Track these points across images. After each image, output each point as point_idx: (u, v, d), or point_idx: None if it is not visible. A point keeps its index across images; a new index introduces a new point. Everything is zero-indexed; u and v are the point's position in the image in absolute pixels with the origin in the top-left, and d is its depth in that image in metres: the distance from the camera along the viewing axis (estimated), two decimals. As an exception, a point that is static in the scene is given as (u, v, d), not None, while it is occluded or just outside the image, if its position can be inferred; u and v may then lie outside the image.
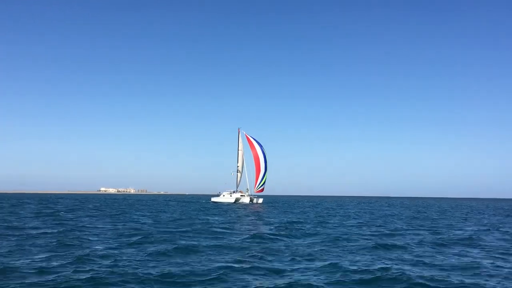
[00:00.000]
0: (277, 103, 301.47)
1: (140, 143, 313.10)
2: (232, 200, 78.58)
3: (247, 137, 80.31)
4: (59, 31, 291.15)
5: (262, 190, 79.50)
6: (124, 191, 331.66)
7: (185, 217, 34.97)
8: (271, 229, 24.61)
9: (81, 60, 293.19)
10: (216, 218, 35.06)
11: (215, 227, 25.65)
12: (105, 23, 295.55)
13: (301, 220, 32.73)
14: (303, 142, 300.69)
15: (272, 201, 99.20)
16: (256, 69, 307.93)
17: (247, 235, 20.88)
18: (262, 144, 79.34)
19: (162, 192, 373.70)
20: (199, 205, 67.38)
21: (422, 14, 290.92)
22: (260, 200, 79.87)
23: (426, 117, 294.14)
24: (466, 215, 47.79)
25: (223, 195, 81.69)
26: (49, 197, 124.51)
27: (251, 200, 78.49)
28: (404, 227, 27.90)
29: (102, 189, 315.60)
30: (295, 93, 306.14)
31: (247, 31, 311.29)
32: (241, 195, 79.68)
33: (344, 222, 31.30)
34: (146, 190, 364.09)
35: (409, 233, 23.39)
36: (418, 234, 22.84)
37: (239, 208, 57.13)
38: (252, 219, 34.36)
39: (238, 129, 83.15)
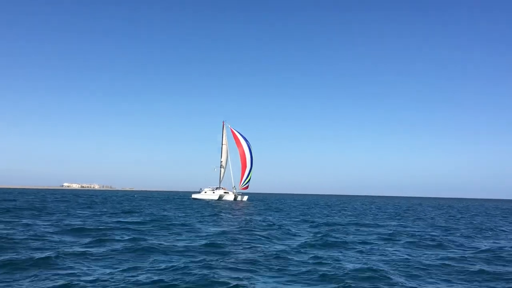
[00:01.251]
0: (264, 100, 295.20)
1: (105, 137, 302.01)
2: (216, 197, 74.20)
3: (232, 131, 76.07)
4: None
5: (247, 187, 75.51)
6: (88, 186, 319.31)
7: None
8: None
9: (48, 55, 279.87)
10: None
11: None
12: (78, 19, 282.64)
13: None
14: (283, 140, 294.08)
15: (257, 199, 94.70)
16: (240, 64, 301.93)
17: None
18: (248, 139, 75.45)
19: (127, 188, 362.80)
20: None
21: (417, 14, 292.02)
22: (245, 198, 75.82)
23: (414, 118, 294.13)
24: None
25: (205, 192, 77.11)
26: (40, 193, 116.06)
27: (235, 197, 74.40)
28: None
29: (65, 184, 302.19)
30: (277, 90, 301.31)
31: (233, 28, 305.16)
32: (225, 192, 75.42)
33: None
34: (111, 186, 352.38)
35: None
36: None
37: (231, 208, 52.86)
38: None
39: (223, 122, 79.00)
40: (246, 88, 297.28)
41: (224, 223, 25.40)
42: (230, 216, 32.70)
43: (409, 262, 12.37)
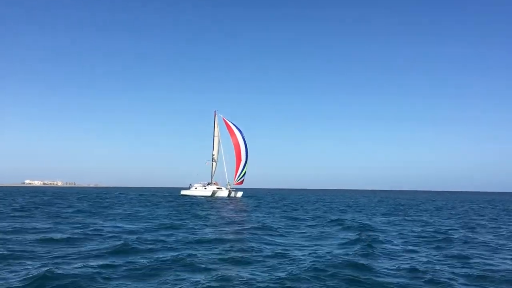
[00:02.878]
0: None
1: (66, 130, 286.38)
2: (209, 194, 68.05)
3: (225, 121, 70.06)
4: None
5: (242, 182, 69.73)
6: (51, 183, 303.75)
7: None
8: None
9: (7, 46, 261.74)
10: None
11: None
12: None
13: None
14: (275, 132, 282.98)
15: (252, 195, 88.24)
16: (234, 53, 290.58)
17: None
18: (242, 130, 69.60)
19: (92, 185, 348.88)
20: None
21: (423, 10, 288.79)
22: (239, 194, 70.03)
23: (405, 113, 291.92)
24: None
25: (195, 188, 70.74)
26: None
27: (229, 193, 68.60)
28: None
29: (27, 181, 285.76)
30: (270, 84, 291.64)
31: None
32: (217, 188, 69.37)
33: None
34: (75, 183, 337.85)
35: None
36: None
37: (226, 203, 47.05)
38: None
39: (214, 111, 72.84)
40: (241, 75, 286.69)
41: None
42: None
43: None
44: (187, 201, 52.48)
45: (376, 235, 17.23)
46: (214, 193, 68.06)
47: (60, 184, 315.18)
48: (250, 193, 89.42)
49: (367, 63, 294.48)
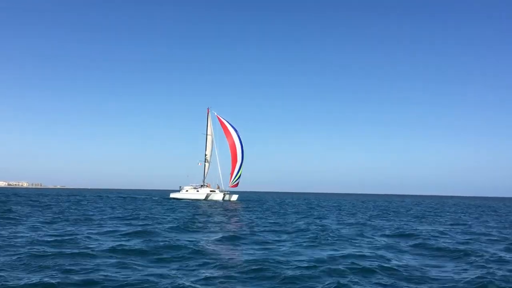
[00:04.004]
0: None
1: (33, 128, 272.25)
2: (202, 197, 63.14)
3: (219, 119, 65.38)
4: None
5: (237, 185, 65.25)
6: (16, 184, 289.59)
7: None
8: None
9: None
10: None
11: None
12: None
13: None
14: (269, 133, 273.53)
15: (248, 199, 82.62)
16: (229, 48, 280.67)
17: None
18: (237, 129, 65.06)
19: (58, 186, 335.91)
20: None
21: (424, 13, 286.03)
22: (234, 197, 65.32)
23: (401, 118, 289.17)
24: None
25: (186, 190, 65.70)
26: None
27: (224, 196, 63.92)
28: None
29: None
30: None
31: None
32: (211, 191, 64.55)
33: None
34: (41, 184, 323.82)
35: None
36: None
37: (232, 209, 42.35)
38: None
39: (208, 109, 67.96)
40: (238, 76, 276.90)
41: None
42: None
43: None
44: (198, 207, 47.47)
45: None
46: (207, 196, 63.22)
47: (26, 185, 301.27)
48: (241, 197, 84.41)
49: (366, 66, 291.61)
